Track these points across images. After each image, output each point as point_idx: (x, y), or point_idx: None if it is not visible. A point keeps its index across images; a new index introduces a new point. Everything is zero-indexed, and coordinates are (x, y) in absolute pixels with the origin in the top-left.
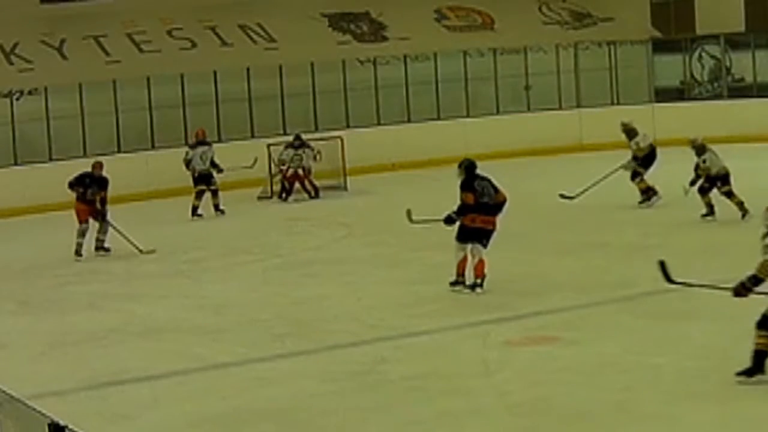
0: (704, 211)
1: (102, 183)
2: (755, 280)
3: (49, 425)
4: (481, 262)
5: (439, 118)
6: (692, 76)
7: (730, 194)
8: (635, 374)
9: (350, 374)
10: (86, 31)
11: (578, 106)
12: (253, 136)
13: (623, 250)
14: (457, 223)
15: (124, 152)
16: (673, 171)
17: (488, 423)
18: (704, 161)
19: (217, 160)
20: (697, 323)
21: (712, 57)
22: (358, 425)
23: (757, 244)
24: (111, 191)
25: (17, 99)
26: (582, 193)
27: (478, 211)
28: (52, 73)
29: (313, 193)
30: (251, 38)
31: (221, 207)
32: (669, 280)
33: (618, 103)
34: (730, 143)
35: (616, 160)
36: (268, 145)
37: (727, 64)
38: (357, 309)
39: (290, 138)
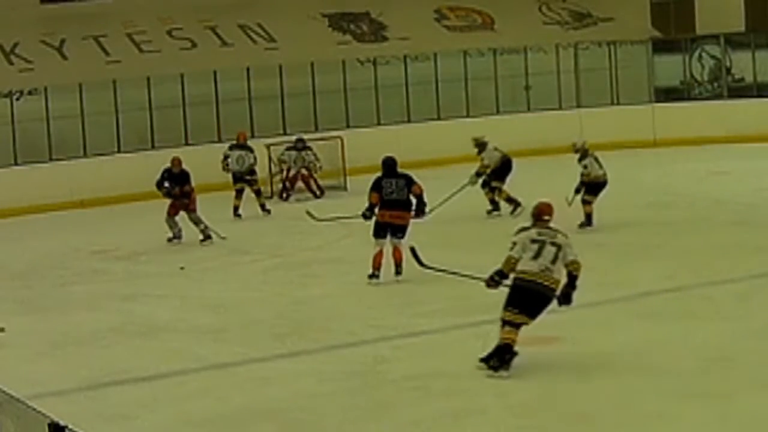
0: (581, 221)
1: (180, 178)
2: (501, 274)
3: (49, 425)
4: (397, 250)
5: (439, 118)
6: (692, 76)
7: (587, 203)
8: (635, 374)
9: (350, 374)
10: (86, 31)
11: (578, 106)
12: (253, 136)
13: (623, 250)
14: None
15: (124, 152)
16: (676, 171)
17: (488, 423)
18: (585, 167)
19: (257, 168)
20: (697, 323)
21: (712, 57)
22: (358, 425)
23: (758, 245)
24: (112, 191)
25: (17, 99)
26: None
27: (386, 207)
28: (52, 73)
29: (318, 193)
30: (251, 38)
31: (267, 207)
32: (421, 264)
33: (618, 103)
34: (730, 143)
35: (616, 160)
36: (268, 145)
37: (727, 64)
38: (357, 309)
39: (291, 138)
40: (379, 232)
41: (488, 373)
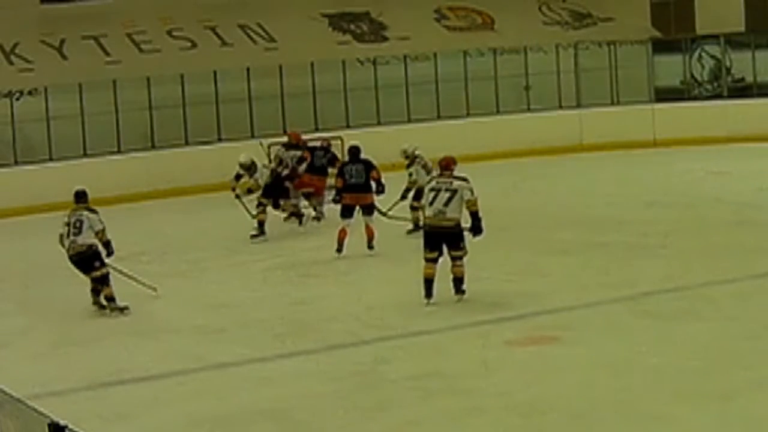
0: (410, 227)
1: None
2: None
3: (49, 425)
4: (368, 227)
5: (439, 118)
6: (692, 76)
7: (415, 209)
8: (635, 374)
9: (350, 374)
10: (86, 31)
11: (578, 106)
12: (253, 136)
13: (623, 250)
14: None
15: (124, 152)
16: (676, 171)
17: (488, 423)
18: (410, 174)
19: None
20: (697, 323)
21: (712, 57)
22: (358, 425)
23: (759, 245)
24: (112, 191)
25: (17, 99)
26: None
27: (347, 191)
28: (52, 73)
29: None
30: (251, 38)
31: (321, 210)
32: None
33: (618, 103)
34: (730, 143)
35: (616, 160)
36: (268, 145)
37: (727, 64)
38: (357, 309)
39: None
40: (344, 212)
41: (488, 372)
